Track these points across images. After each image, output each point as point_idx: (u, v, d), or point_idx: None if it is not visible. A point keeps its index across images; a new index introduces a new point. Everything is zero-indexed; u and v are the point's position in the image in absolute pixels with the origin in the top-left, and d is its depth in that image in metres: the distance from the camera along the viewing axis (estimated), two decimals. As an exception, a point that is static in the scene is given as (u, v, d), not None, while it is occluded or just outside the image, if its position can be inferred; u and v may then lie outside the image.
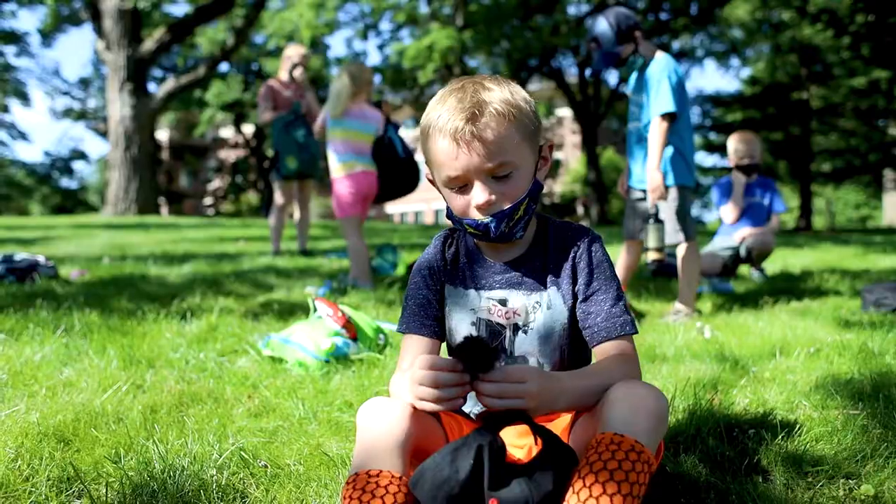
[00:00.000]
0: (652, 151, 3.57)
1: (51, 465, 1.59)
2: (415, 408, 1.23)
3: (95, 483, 1.55)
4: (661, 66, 3.65)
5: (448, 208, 1.45)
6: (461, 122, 1.30)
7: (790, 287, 4.71)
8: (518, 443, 1.38)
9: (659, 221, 3.61)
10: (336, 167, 4.76)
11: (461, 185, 1.36)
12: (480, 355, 1.17)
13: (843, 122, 27.07)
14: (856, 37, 22.41)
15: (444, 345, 1.56)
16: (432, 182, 1.48)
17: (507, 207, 1.36)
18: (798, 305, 3.92)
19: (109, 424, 1.89)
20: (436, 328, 1.50)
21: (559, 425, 1.41)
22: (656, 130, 3.56)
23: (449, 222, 1.51)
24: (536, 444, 1.19)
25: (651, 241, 3.60)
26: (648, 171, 3.57)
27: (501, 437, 1.17)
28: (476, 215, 1.37)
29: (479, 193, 1.34)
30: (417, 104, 26.63)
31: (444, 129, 1.32)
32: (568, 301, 1.44)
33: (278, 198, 6.69)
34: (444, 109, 1.34)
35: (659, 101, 3.58)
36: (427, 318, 1.50)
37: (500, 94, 1.34)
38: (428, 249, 1.56)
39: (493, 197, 1.34)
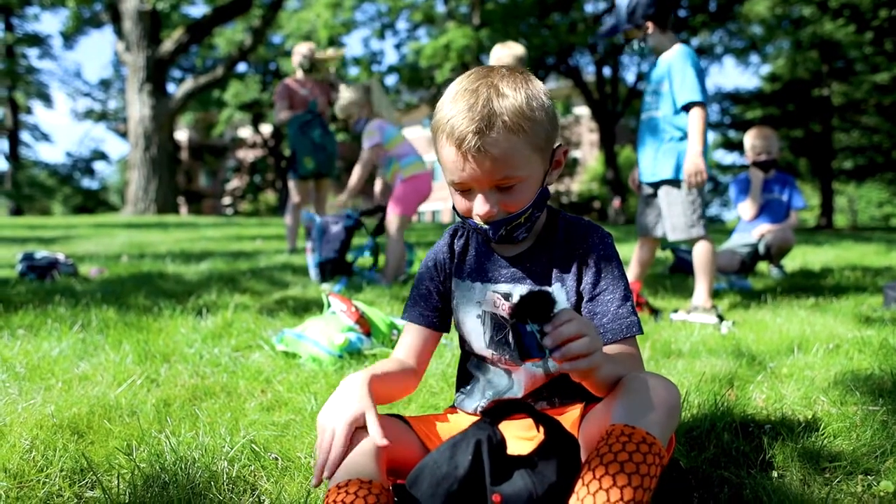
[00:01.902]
0: (693, 139, 3.52)
1: (65, 457, 1.60)
2: (382, 418, 1.30)
3: (108, 474, 1.56)
4: (683, 55, 3.61)
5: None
6: (469, 133, 1.25)
7: (809, 284, 4.64)
8: (526, 435, 1.37)
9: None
10: (410, 167, 4.80)
11: (465, 189, 1.34)
12: (541, 305, 1.11)
13: (865, 118, 26.71)
14: (879, 32, 22.08)
15: (452, 336, 1.56)
16: None
17: (506, 216, 1.34)
18: (817, 302, 3.87)
19: (123, 417, 1.91)
20: (434, 319, 1.53)
21: (569, 419, 1.39)
22: (695, 119, 3.53)
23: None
24: (539, 432, 1.17)
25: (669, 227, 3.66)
26: (691, 157, 3.53)
27: (501, 431, 1.14)
28: (477, 219, 1.36)
29: (480, 204, 1.32)
30: (434, 103, 26.62)
31: (451, 135, 1.27)
32: (571, 298, 1.41)
33: (294, 197, 6.73)
34: (454, 112, 1.28)
35: (687, 90, 3.54)
36: (426, 308, 1.53)
37: (513, 101, 1.27)
38: (438, 242, 1.56)
39: (495, 210, 1.32)
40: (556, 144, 1.39)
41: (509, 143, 1.26)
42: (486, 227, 1.35)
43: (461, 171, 1.29)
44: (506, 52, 4.50)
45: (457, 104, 1.28)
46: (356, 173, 4.83)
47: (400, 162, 4.79)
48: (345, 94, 5.00)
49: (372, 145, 4.77)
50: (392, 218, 4.80)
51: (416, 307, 1.53)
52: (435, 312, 1.53)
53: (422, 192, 4.88)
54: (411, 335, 1.52)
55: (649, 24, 3.70)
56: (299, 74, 6.80)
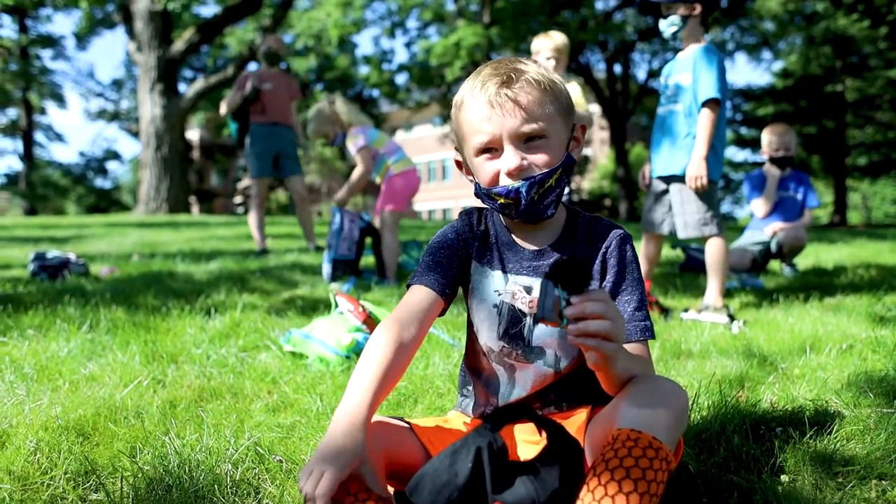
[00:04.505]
0: (699, 142, 3.49)
1: (69, 459, 1.60)
2: (382, 421, 1.30)
3: (112, 477, 1.55)
4: (710, 51, 3.59)
5: (476, 185, 1.42)
6: (495, 85, 1.32)
7: (822, 282, 4.58)
8: (534, 439, 1.35)
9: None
10: (400, 162, 4.83)
11: (492, 149, 1.35)
12: (577, 275, 1.10)
13: (879, 114, 26.41)
14: (894, 27, 21.81)
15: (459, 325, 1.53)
16: (460, 166, 1.47)
17: (538, 174, 1.34)
18: (830, 301, 3.82)
19: (129, 419, 1.90)
20: (446, 289, 1.43)
21: (574, 423, 1.37)
22: (705, 121, 3.49)
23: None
24: (541, 436, 1.15)
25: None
26: (695, 160, 3.50)
27: (502, 437, 1.12)
28: (506, 181, 1.35)
29: (511, 157, 1.33)
30: (444, 102, 26.62)
31: (478, 95, 1.34)
32: None
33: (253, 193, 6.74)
34: (478, 80, 1.36)
35: (708, 87, 3.50)
36: (442, 276, 1.43)
37: (535, 67, 1.37)
38: (454, 223, 1.52)
39: (525, 162, 1.33)
40: (574, 122, 1.43)
41: (533, 94, 1.32)
42: (517, 185, 1.33)
43: (487, 124, 1.32)
44: (547, 42, 4.38)
45: (480, 74, 1.38)
46: (356, 173, 4.82)
47: (390, 158, 4.82)
48: (312, 115, 5.02)
49: (359, 148, 4.78)
50: (386, 214, 4.81)
51: (431, 273, 1.43)
52: (447, 282, 1.44)
53: (413, 187, 4.93)
54: (420, 299, 1.41)
55: (698, 7, 3.66)
56: (264, 67, 6.83)
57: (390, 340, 1.31)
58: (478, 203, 1.50)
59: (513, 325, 1.43)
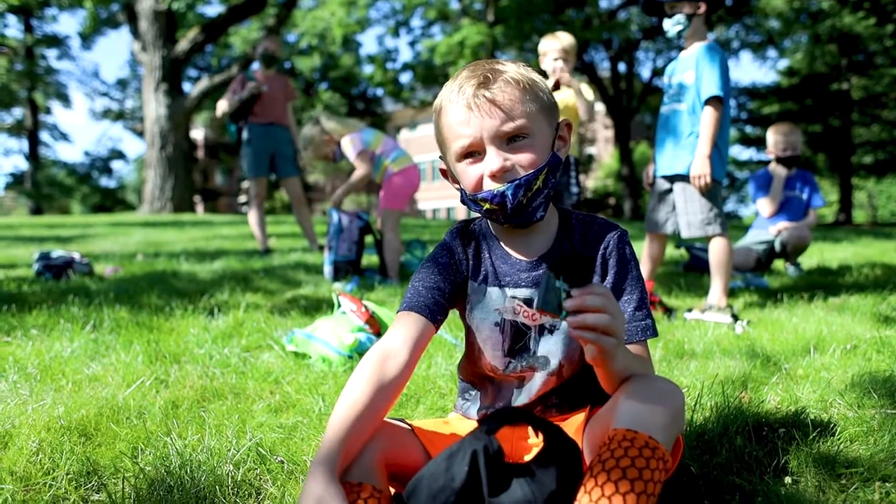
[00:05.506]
0: (702, 140, 3.48)
1: (71, 460, 1.61)
2: (383, 422, 1.27)
3: (114, 478, 1.55)
4: (714, 50, 3.58)
5: (462, 192, 1.39)
6: (473, 87, 1.29)
7: (827, 282, 4.57)
8: (530, 441, 1.34)
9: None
10: (399, 160, 4.82)
11: (475, 152, 1.32)
12: (579, 270, 1.09)
13: (885, 112, 26.31)
14: (899, 24, 21.75)
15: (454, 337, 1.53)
16: (445, 174, 1.45)
17: (523, 175, 1.30)
18: (835, 301, 3.80)
19: (131, 419, 1.91)
20: (438, 315, 1.38)
21: (573, 424, 1.37)
22: (708, 119, 3.48)
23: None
24: (538, 437, 1.15)
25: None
26: (698, 159, 3.49)
27: (498, 439, 1.11)
28: (491, 185, 1.32)
29: (493, 158, 1.30)
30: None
31: (455, 99, 1.31)
32: None
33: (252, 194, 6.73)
34: (455, 84, 1.33)
35: (712, 85, 3.49)
36: (433, 302, 1.38)
37: (514, 67, 1.34)
38: (445, 240, 1.48)
39: (508, 163, 1.30)
40: (558, 121, 1.40)
41: (512, 93, 1.30)
42: (503, 188, 1.30)
43: (467, 127, 1.30)
44: (554, 43, 4.30)
45: (457, 78, 1.35)
46: (355, 175, 4.80)
47: (389, 157, 4.81)
48: (305, 136, 4.99)
49: (358, 153, 4.77)
50: (388, 213, 4.81)
51: (422, 299, 1.37)
52: (439, 308, 1.38)
53: (413, 185, 4.92)
54: (412, 326, 1.34)
55: (703, 6, 3.64)
56: (261, 69, 6.83)
57: (371, 380, 1.24)
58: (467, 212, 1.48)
59: (517, 341, 1.41)
